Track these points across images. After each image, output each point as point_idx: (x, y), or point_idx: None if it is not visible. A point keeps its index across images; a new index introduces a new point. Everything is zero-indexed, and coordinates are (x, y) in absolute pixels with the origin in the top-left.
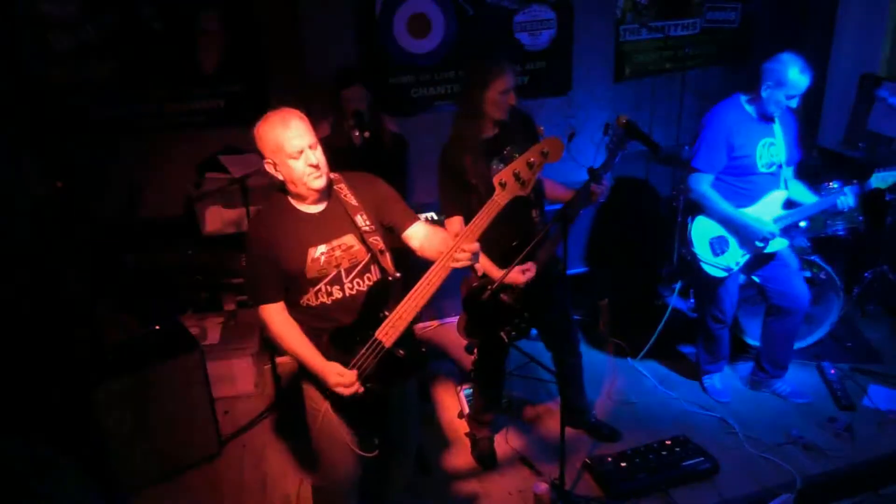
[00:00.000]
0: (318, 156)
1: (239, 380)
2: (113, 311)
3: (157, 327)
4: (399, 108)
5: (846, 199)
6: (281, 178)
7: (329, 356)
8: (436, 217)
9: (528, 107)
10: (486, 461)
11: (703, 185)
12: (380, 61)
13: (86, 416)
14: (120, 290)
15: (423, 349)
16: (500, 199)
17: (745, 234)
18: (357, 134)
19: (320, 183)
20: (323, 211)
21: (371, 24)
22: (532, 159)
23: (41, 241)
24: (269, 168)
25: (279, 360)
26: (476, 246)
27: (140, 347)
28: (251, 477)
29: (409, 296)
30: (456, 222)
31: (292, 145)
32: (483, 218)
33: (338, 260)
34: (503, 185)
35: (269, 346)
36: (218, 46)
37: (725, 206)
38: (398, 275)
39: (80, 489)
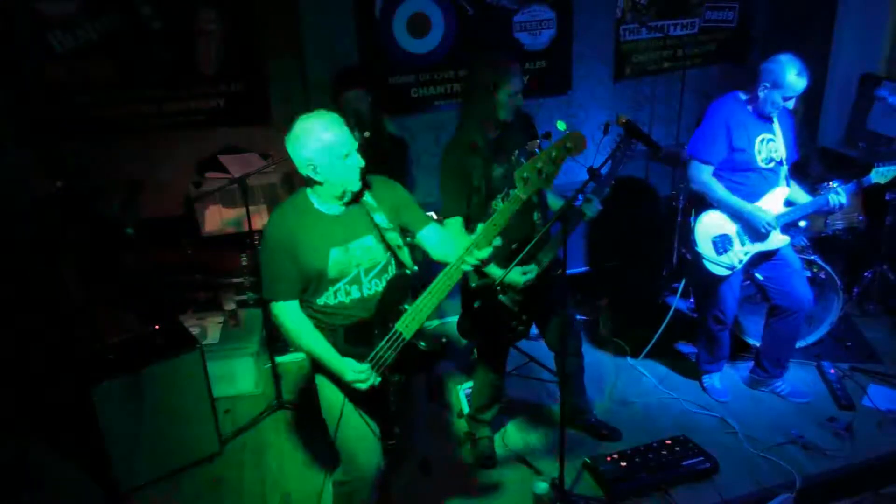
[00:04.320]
0: (360, 157)
1: (239, 379)
2: (113, 311)
3: (157, 327)
4: (399, 108)
5: (838, 197)
6: (320, 180)
7: (343, 352)
8: (435, 217)
9: (528, 106)
10: (486, 461)
11: (704, 174)
12: (380, 61)
13: (86, 415)
14: (120, 290)
15: (444, 339)
16: (522, 194)
17: (747, 223)
18: (357, 134)
19: (359, 185)
20: (344, 212)
21: (371, 24)
22: (555, 153)
23: (41, 240)
24: (307, 172)
25: (279, 359)
26: (490, 250)
27: (140, 347)
28: (251, 477)
29: (428, 290)
30: (455, 223)
31: (344, 146)
32: (504, 213)
33: (358, 260)
34: (525, 181)
35: (270, 346)
36: (217, 46)
37: (727, 195)
38: (416, 268)
39: (80, 489)
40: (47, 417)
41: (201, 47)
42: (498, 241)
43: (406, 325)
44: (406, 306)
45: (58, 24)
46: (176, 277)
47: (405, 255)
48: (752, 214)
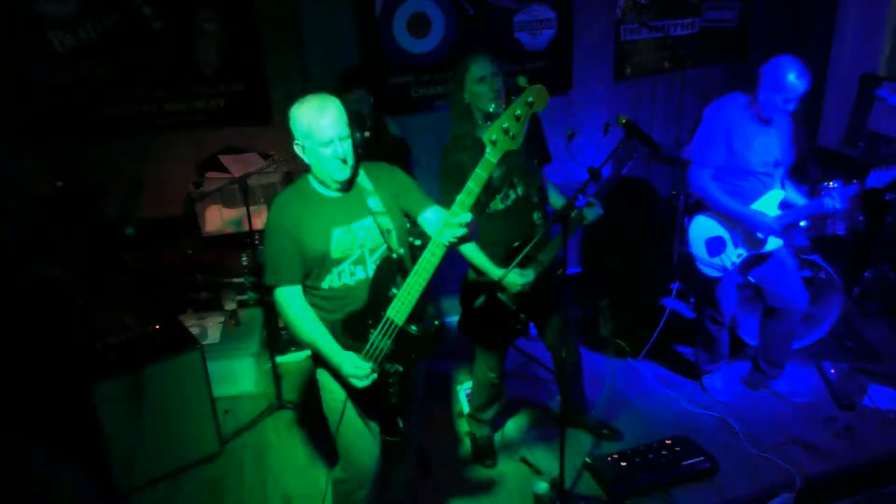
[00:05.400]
0: (346, 148)
1: (239, 379)
2: (113, 311)
3: (157, 327)
4: (399, 108)
5: (833, 201)
6: (307, 161)
7: (344, 344)
8: None
9: None
10: (486, 461)
11: (703, 179)
12: (380, 61)
13: (86, 415)
14: (120, 290)
15: (437, 322)
16: (491, 156)
17: (745, 228)
18: (357, 134)
19: (343, 175)
20: (346, 195)
21: (371, 23)
22: (519, 111)
23: (41, 241)
24: (297, 150)
25: (279, 359)
26: (468, 216)
27: (140, 347)
28: (251, 476)
29: (414, 270)
30: None
31: (324, 134)
32: (476, 179)
33: (361, 240)
34: (493, 142)
35: (270, 346)
36: (218, 46)
37: (726, 200)
38: (401, 251)
39: (80, 489)
40: (47, 417)
41: (201, 47)
42: (468, 217)
43: (397, 311)
44: (395, 291)
45: (58, 24)
46: (176, 277)
47: (392, 238)
48: (751, 219)
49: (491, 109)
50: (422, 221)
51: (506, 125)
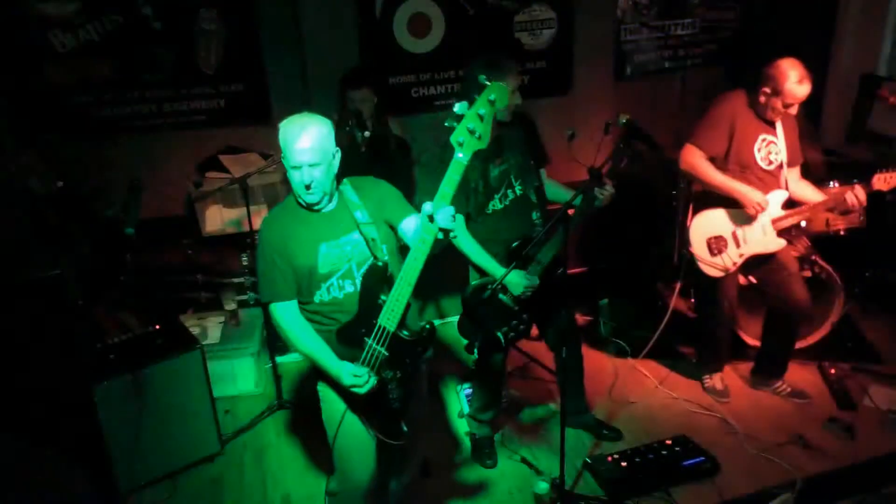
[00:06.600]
0: (315, 175)
1: (239, 379)
2: (113, 311)
3: (157, 327)
4: (399, 108)
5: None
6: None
7: (340, 354)
8: None
9: (528, 107)
10: (486, 461)
11: (695, 157)
12: (380, 61)
13: (86, 415)
14: (120, 290)
15: (428, 325)
16: (462, 158)
17: (737, 203)
18: (358, 134)
19: (309, 199)
20: (332, 210)
21: (371, 24)
22: (482, 110)
23: (41, 241)
24: (283, 161)
25: (279, 359)
26: (451, 208)
27: (140, 347)
28: (251, 477)
29: (400, 276)
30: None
31: (294, 158)
32: (449, 181)
33: (349, 255)
34: (461, 144)
35: (270, 346)
36: (218, 46)
37: (716, 175)
38: (385, 258)
39: (80, 489)
40: (47, 417)
41: (201, 47)
42: (452, 210)
43: (388, 318)
44: (384, 298)
45: (58, 24)
46: (176, 277)
47: (377, 247)
48: (742, 193)
49: (504, 118)
50: (402, 230)
51: (470, 126)
